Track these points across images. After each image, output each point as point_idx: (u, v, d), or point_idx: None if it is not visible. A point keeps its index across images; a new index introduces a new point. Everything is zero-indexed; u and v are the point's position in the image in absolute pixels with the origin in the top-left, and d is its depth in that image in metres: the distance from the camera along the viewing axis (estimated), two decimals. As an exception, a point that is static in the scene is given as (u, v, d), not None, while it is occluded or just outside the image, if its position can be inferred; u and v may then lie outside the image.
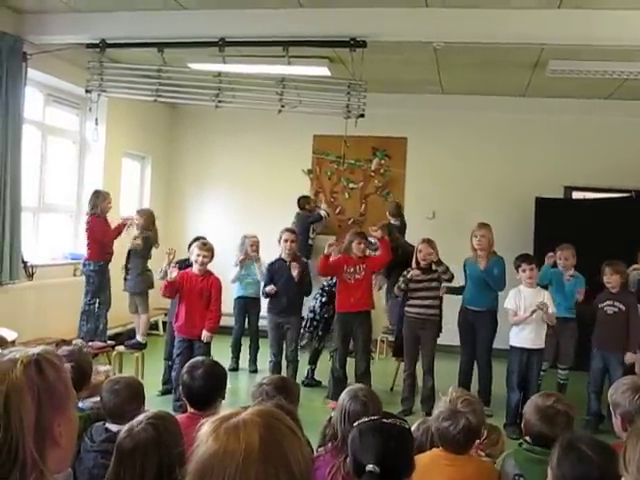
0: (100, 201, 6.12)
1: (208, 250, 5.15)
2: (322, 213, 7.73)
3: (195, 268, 5.16)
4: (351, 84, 5.63)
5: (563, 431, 2.24)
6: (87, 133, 7.15)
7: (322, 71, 6.25)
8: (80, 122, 7.30)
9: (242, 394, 5.76)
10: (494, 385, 5.48)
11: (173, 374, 5.16)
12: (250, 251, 6.56)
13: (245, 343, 6.73)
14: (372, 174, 8.35)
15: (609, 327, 5.15)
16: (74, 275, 6.73)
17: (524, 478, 2.29)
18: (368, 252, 5.77)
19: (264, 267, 6.25)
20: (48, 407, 1.16)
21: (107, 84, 6.01)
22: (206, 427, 1.07)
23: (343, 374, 5.59)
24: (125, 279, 6.15)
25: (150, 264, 6.18)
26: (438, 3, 4.94)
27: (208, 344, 5.12)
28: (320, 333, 6.20)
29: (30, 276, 6.19)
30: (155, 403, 4.70)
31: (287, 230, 5.94)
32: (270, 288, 5.74)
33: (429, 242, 5.48)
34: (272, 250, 6.10)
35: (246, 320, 6.78)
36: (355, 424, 1.91)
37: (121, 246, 6.25)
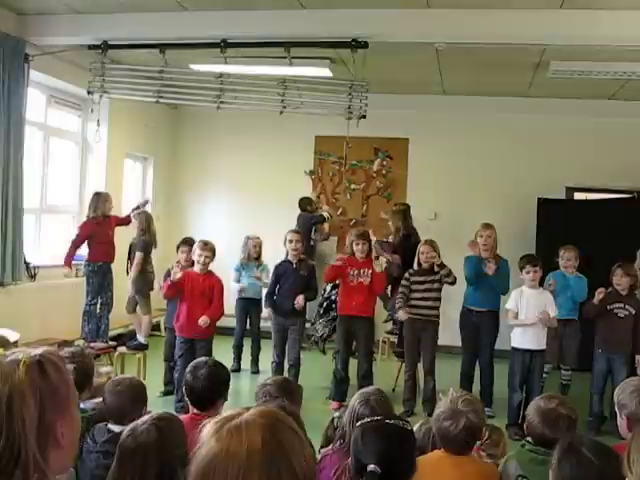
0: (101, 202, 6.12)
1: (210, 250, 5.14)
2: (324, 214, 7.72)
3: (197, 268, 5.16)
4: (353, 85, 5.63)
5: (565, 434, 2.24)
6: (89, 134, 7.17)
7: (324, 72, 6.25)
8: (82, 123, 7.31)
9: (244, 395, 5.76)
10: (496, 386, 5.47)
11: (175, 375, 5.16)
12: (253, 252, 6.57)
13: (247, 344, 6.73)
14: (374, 175, 8.35)
15: (617, 329, 5.12)
16: (76, 276, 6.73)
17: (527, 479, 2.28)
18: (378, 253, 5.77)
19: (267, 271, 6.28)
20: (50, 408, 1.16)
21: (109, 85, 6.02)
22: (208, 428, 1.07)
23: (345, 375, 5.59)
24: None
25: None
26: (440, 4, 4.95)
27: (210, 344, 5.13)
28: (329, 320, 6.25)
29: (32, 277, 6.20)
30: (157, 404, 4.70)
31: (292, 231, 5.94)
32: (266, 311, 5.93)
33: (431, 243, 5.48)
34: (273, 251, 6.10)
35: (248, 321, 6.78)
36: (358, 424, 1.91)
37: (124, 244, 6.27)
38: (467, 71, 6.77)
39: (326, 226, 7.93)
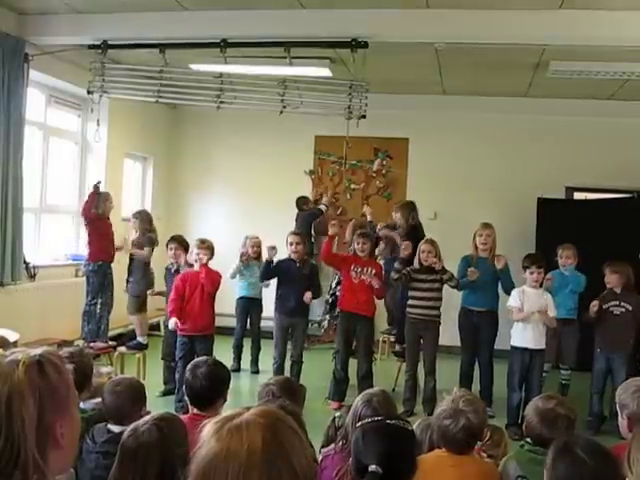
0: (102, 202, 6.12)
1: (207, 248, 5.14)
2: (322, 207, 7.69)
3: (196, 267, 5.16)
4: (353, 85, 5.63)
5: (564, 434, 2.24)
6: (89, 134, 7.16)
7: (324, 72, 6.25)
8: (82, 123, 7.31)
9: (244, 395, 5.76)
10: (495, 386, 5.48)
11: (177, 376, 5.16)
12: (251, 252, 6.57)
13: (247, 344, 6.73)
14: (374, 175, 8.35)
15: (615, 328, 5.12)
16: (76, 276, 6.73)
17: (527, 479, 2.28)
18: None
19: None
20: (50, 408, 1.16)
21: (109, 85, 6.01)
22: (209, 427, 1.07)
23: (345, 375, 5.59)
24: (127, 281, 6.16)
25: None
26: (439, 4, 4.95)
27: (210, 342, 5.14)
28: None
29: (32, 277, 6.19)
30: (157, 404, 4.70)
31: (292, 233, 5.96)
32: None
33: (432, 243, 5.48)
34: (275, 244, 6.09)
35: (248, 321, 6.78)
36: (358, 424, 1.91)
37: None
38: (467, 71, 6.77)
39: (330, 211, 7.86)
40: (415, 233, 6.04)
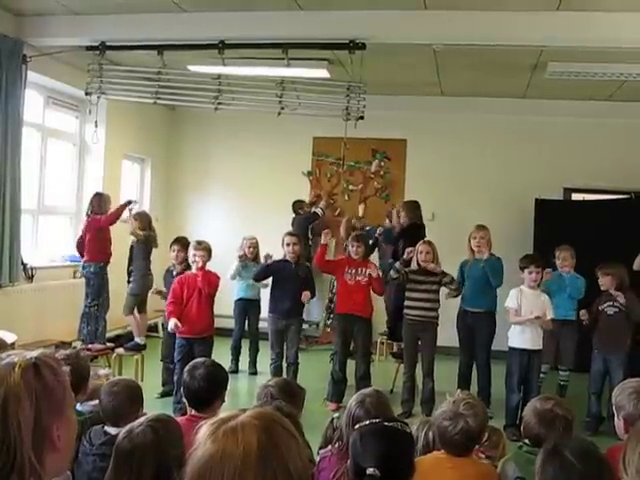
0: (102, 203, 6.12)
1: (204, 249, 5.11)
2: (318, 211, 7.71)
3: (194, 268, 5.15)
4: (350, 86, 5.64)
5: (561, 435, 2.24)
6: (87, 135, 7.15)
7: (321, 73, 6.25)
8: (80, 124, 7.31)
9: (242, 396, 5.76)
10: (493, 387, 5.47)
11: (175, 378, 5.15)
12: (248, 252, 6.56)
13: (245, 345, 6.72)
14: (372, 176, 8.34)
15: (610, 328, 5.15)
16: (73, 277, 6.73)
17: (525, 481, 2.28)
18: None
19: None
20: (46, 411, 1.16)
21: (107, 86, 6.02)
22: (204, 429, 1.07)
23: (343, 376, 5.59)
24: (128, 282, 6.16)
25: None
26: (437, 5, 4.95)
27: (209, 345, 5.13)
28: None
29: (29, 278, 6.18)
30: (155, 405, 4.70)
31: (288, 234, 5.93)
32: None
33: (429, 243, 5.48)
34: (271, 251, 6.09)
35: (246, 322, 6.77)
36: (356, 427, 1.91)
37: (124, 245, 6.27)
38: (465, 72, 6.77)
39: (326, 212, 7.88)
40: (419, 233, 6.02)
